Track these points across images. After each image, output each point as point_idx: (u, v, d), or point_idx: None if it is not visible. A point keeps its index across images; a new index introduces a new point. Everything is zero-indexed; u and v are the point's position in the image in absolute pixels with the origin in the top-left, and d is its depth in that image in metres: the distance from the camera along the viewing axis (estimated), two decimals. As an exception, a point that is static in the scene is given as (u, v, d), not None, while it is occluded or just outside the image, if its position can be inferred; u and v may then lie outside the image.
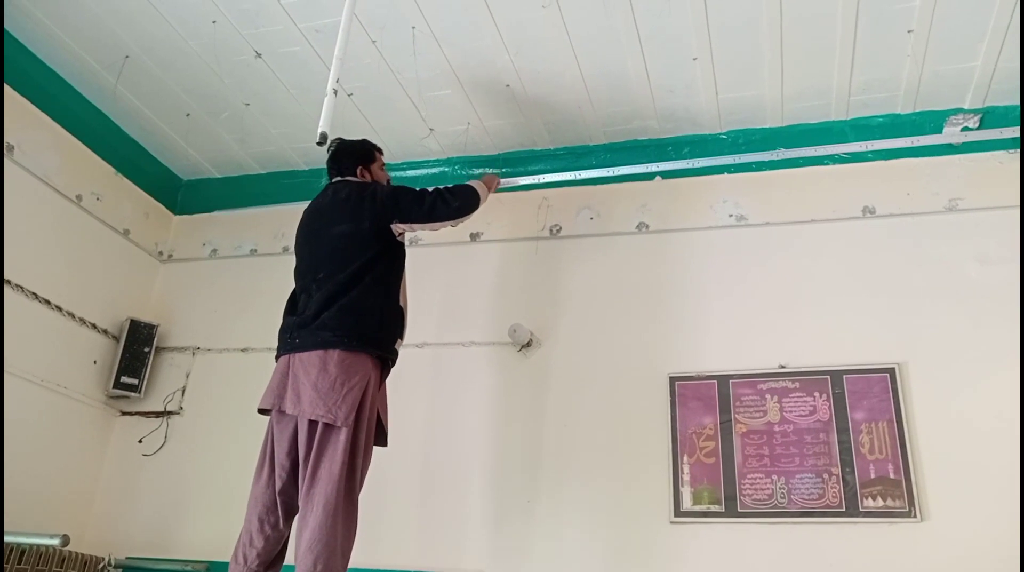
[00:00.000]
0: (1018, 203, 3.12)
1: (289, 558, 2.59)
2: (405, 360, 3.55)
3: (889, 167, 3.36)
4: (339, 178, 3.00)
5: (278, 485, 2.58)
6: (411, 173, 3.95)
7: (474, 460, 3.33)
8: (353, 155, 3.04)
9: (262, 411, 2.69)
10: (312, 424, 2.51)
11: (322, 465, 2.47)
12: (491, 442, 3.35)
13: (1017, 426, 2.84)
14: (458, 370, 3.53)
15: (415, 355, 3.58)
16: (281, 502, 2.58)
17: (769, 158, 3.45)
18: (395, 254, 2.87)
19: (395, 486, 3.35)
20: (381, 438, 2.75)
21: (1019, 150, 3.19)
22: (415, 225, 2.95)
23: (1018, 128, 3.19)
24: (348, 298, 2.66)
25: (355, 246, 2.76)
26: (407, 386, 3.52)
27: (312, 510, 2.43)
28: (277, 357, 2.72)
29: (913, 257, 3.20)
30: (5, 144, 3.28)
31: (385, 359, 2.73)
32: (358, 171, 3.01)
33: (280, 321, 2.80)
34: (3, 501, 2.75)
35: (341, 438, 2.49)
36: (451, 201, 2.99)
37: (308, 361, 2.58)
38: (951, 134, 3.30)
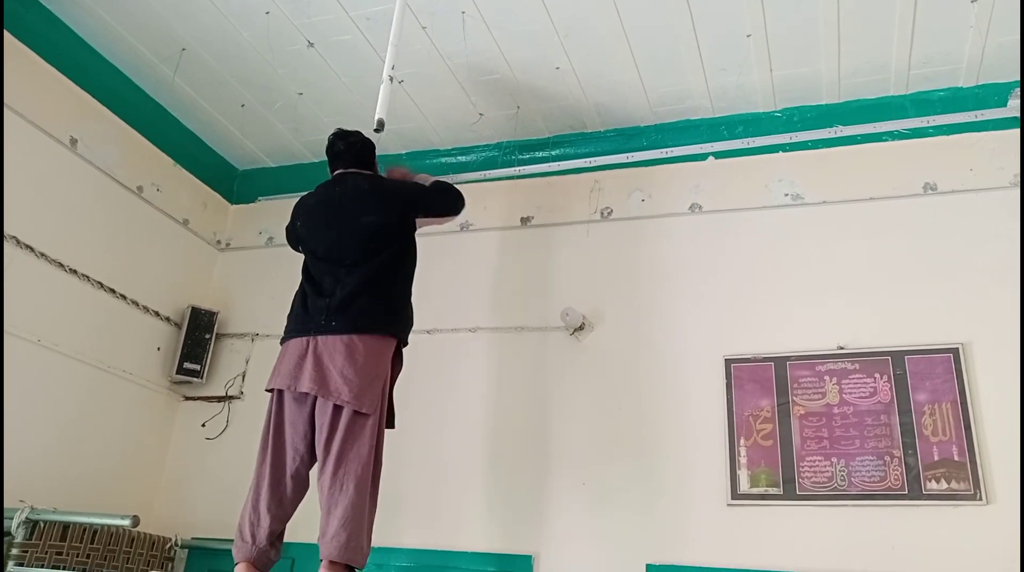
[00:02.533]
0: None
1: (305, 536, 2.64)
2: (458, 345, 3.62)
3: (951, 142, 3.27)
4: (352, 170, 3.04)
5: (291, 468, 2.66)
6: (461, 158, 3.95)
7: (528, 443, 3.35)
8: (371, 149, 3.12)
9: (271, 391, 2.75)
10: (337, 409, 2.59)
11: (350, 448, 2.57)
12: (545, 425, 3.36)
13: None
14: (511, 354, 3.55)
15: (468, 340, 3.61)
16: (292, 484, 2.66)
17: (826, 135, 3.39)
18: (414, 247, 2.98)
19: (451, 469, 3.40)
20: (390, 420, 2.83)
21: None
22: (433, 219, 3.08)
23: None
24: (382, 287, 2.78)
25: (384, 236, 2.86)
26: (460, 371, 3.57)
27: (343, 490, 2.51)
28: (289, 338, 2.76)
29: (977, 234, 3.11)
30: (69, 137, 3.38)
31: (404, 344, 2.86)
32: (375, 165, 3.14)
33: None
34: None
35: (368, 423, 2.61)
36: (460, 198, 3.15)
37: (334, 346, 2.64)
38: (1016, 107, 3.18)
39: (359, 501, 2.51)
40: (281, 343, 2.82)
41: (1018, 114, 3.18)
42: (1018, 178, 3.12)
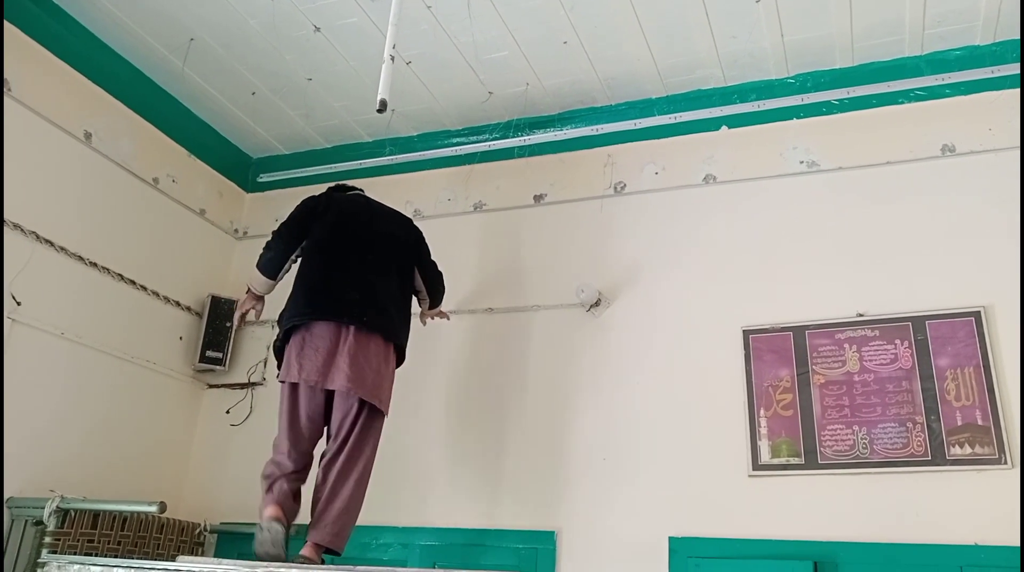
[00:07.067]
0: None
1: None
2: (475, 326, 3.62)
3: (969, 102, 3.20)
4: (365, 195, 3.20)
5: (304, 446, 2.76)
6: (472, 138, 3.93)
7: (548, 420, 3.36)
8: None
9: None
10: (362, 404, 2.70)
11: (363, 444, 2.72)
12: (564, 402, 3.36)
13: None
14: (528, 333, 3.54)
15: (484, 321, 3.62)
16: (305, 459, 2.78)
17: (839, 97, 3.33)
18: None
19: (472, 448, 3.42)
20: None
21: None
22: (418, 280, 3.16)
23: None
24: (405, 303, 3.03)
25: (402, 252, 3.05)
26: (478, 352, 3.58)
27: (347, 483, 2.66)
28: (318, 319, 2.73)
29: (997, 195, 3.04)
30: (83, 132, 3.42)
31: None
32: None
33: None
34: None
35: (380, 423, 2.81)
36: (442, 293, 3.31)
37: (370, 345, 2.74)
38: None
39: (358, 495, 2.69)
40: (299, 318, 2.75)
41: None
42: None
